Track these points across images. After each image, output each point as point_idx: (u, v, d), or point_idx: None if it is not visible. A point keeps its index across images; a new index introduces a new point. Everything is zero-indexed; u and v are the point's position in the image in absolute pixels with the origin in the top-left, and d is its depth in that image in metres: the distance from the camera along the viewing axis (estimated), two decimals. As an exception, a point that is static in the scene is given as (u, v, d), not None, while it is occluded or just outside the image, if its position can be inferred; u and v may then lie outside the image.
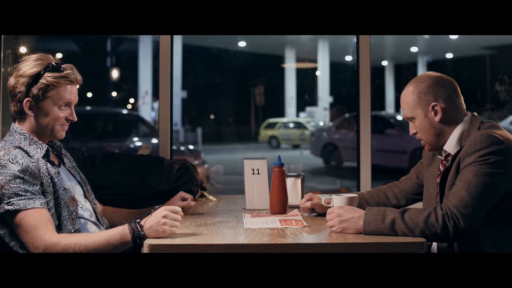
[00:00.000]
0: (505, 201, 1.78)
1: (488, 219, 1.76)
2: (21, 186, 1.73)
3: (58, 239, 1.71)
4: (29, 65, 1.84)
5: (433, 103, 1.88)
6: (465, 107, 1.94)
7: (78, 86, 1.92)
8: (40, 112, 1.86)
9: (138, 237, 1.72)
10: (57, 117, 1.87)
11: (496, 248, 1.81)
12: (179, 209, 1.78)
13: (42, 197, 1.76)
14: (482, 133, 1.79)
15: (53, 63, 1.85)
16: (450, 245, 1.87)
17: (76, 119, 1.91)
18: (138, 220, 1.76)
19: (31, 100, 1.84)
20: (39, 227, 1.71)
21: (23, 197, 1.72)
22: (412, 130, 1.97)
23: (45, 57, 1.88)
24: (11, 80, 1.86)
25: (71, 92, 1.88)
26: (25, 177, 1.74)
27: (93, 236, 1.76)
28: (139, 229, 1.72)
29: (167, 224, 1.71)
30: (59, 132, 1.90)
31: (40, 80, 1.83)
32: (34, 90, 1.83)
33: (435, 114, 1.88)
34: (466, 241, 1.81)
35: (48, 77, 1.83)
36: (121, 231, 1.74)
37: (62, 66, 1.87)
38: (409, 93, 1.92)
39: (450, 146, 1.90)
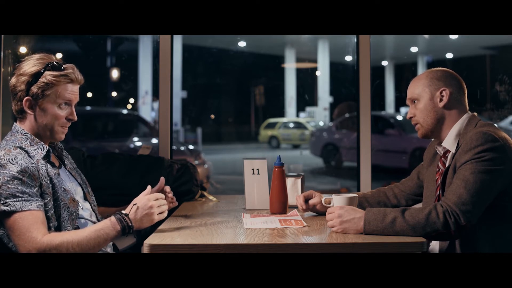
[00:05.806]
0: (501, 198, 1.80)
1: (484, 216, 1.78)
2: (19, 188, 1.72)
3: (49, 240, 1.69)
4: (30, 64, 1.85)
5: (443, 88, 1.95)
6: (467, 108, 1.99)
7: (79, 86, 1.92)
8: (40, 110, 1.85)
9: (126, 225, 1.77)
10: (56, 116, 1.86)
11: (493, 244, 1.82)
12: (160, 194, 1.86)
13: (39, 199, 1.75)
14: (477, 131, 1.83)
15: (54, 62, 1.85)
16: (449, 244, 1.87)
17: (76, 118, 1.91)
18: (122, 211, 1.82)
19: (31, 99, 1.84)
20: (32, 229, 1.69)
21: (19, 199, 1.71)
22: (410, 114, 2.02)
23: (47, 56, 1.88)
24: (12, 79, 1.87)
25: (72, 91, 1.88)
26: (23, 178, 1.73)
27: (83, 231, 1.77)
28: (125, 217, 1.78)
29: (154, 208, 1.81)
30: (58, 134, 1.90)
31: (40, 79, 1.83)
32: (34, 88, 1.83)
33: (441, 100, 1.95)
34: (463, 239, 1.82)
35: (48, 75, 1.83)
36: (109, 220, 1.78)
37: (63, 65, 1.87)
38: (423, 76, 2.01)
39: (448, 142, 1.94)
